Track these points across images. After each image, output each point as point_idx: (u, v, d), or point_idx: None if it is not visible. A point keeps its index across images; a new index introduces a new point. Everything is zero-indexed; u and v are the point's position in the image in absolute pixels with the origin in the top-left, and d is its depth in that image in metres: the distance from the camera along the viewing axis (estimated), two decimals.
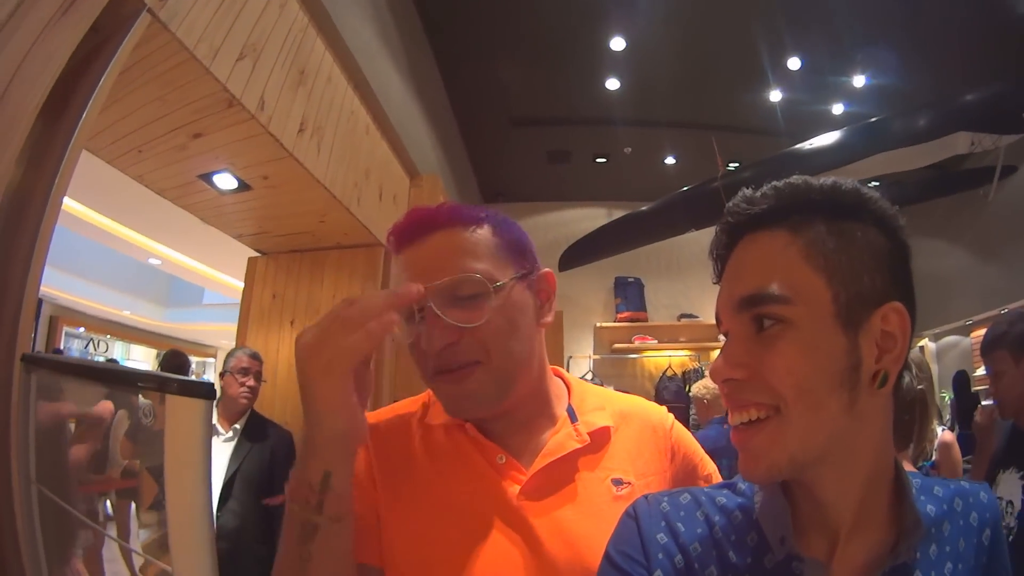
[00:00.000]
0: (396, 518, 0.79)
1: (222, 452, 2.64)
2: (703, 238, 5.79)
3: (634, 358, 6.29)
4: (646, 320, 6.27)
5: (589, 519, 0.78)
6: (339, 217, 3.16)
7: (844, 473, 0.60)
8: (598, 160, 5.99)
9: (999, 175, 4.26)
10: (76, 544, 1.05)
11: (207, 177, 2.58)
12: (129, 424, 1.08)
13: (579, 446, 0.83)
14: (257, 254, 3.65)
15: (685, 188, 4.93)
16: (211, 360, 9.67)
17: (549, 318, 0.87)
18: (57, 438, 1.12)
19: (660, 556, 0.63)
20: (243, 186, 2.69)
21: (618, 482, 0.82)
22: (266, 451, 2.72)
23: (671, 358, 6.05)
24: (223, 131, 2.26)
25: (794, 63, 4.04)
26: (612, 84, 4.65)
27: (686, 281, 6.42)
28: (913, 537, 0.59)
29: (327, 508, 0.66)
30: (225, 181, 2.63)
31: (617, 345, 6.15)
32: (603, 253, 5.84)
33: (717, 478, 0.92)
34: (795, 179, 0.62)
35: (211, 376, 9.35)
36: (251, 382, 2.78)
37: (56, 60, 1.33)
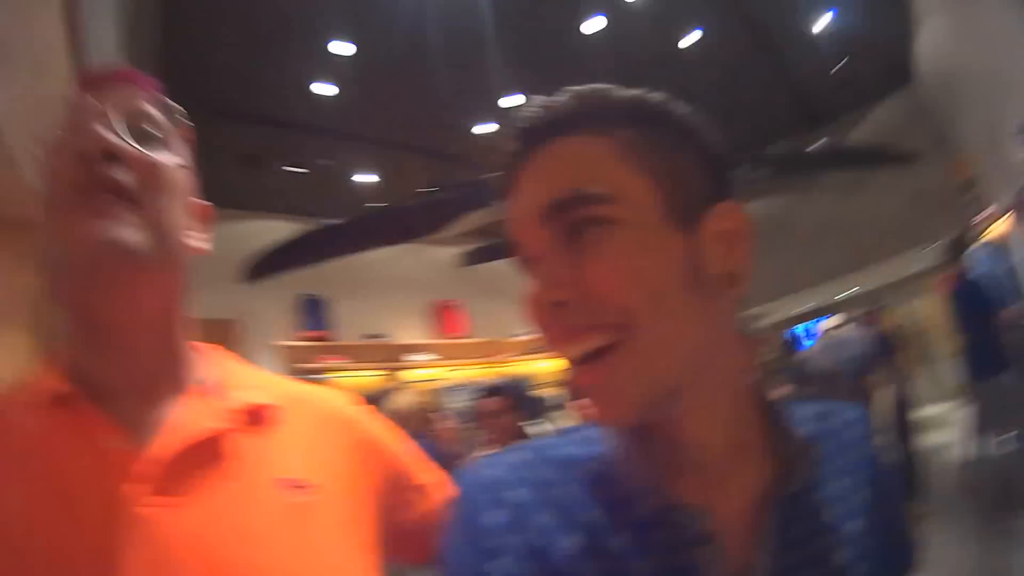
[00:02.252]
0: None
1: None
2: (392, 258, 6.02)
3: (320, 379, 6.01)
4: (331, 339, 6.07)
5: (250, 539, 0.55)
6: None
7: (707, 401, 0.52)
8: (293, 169, 5.68)
9: None
10: None
11: None
12: None
13: (226, 427, 0.58)
14: None
15: (382, 204, 4.98)
16: None
17: (204, 246, 0.66)
18: None
19: (498, 542, 0.52)
20: None
21: (292, 484, 0.59)
22: None
23: (358, 378, 5.93)
24: None
25: (517, 99, 4.44)
26: (328, 90, 4.49)
27: (374, 301, 6.41)
28: (803, 461, 0.53)
29: None
30: None
31: (300, 366, 5.79)
32: (291, 267, 5.51)
33: (441, 484, 0.72)
34: (596, 86, 0.55)
35: None
36: None
37: None
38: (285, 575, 0.55)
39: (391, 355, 6.12)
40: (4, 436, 0.55)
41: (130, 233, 0.55)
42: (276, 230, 5.73)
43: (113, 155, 0.57)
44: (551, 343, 0.50)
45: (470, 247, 5.07)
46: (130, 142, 0.58)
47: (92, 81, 0.63)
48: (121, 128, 0.59)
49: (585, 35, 4.29)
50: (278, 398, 0.64)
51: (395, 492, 0.66)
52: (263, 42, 4.08)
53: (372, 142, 5.17)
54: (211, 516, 0.54)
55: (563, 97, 0.54)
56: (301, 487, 0.59)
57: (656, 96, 0.55)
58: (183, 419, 0.57)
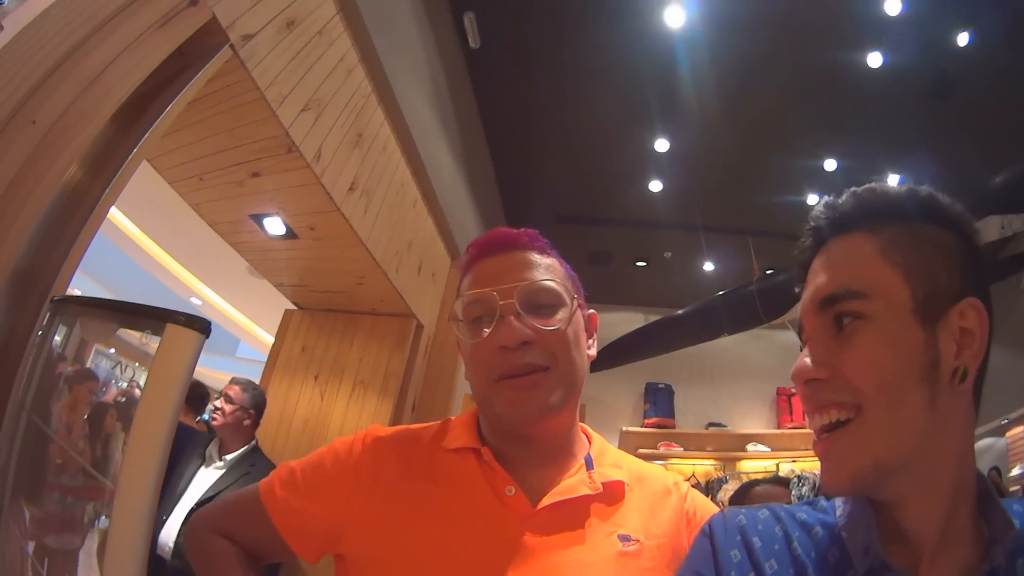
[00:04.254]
0: (384, 534, 0.78)
1: (208, 479, 2.57)
2: (735, 346, 5.83)
3: (659, 464, 6.05)
4: (673, 427, 6.10)
5: (590, 569, 0.75)
6: (377, 282, 3.26)
7: (928, 484, 0.57)
8: (638, 263, 6.08)
9: None
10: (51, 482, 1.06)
11: (258, 218, 2.74)
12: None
13: (591, 493, 0.80)
14: (294, 307, 3.76)
15: (721, 292, 4.95)
16: None
17: (593, 352, 0.90)
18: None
19: (732, 574, 0.63)
20: (290, 233, 2.84)
21: (625, 538, 0.78)
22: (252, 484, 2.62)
23: (695, 467, 5.82)
24: (279, 175, 2.42)
25: (830, 164, 4.14)
26: (655, 186, 4.82)
27: (717, 389, 6.29)
28: (1005, 540, 0.55)
29: None
30: (274, 225, 2.78)
31: (642, 450, 5.94)
32: (636, 356, 5.78)
33: None
34: (873, 185, 0.66)
35: None
36: (219, 402, 2.65)
37: (142, 69, 1.47)
38: None
39: (728, 444, 5.85)
40: (428, 458, 0.83)
41: (550, 396, 0.79)
42: (629, 321, 6.16)
43: (527, 342, 0.78)
44: (805, 413, 0.63)
45: None
46: (536, 325, 0.79)
47: (484, 250, 0.87)
48: (526, 307, 0.80)
49: None
50: (628, 476, 0.85)
51: None
52: (597, 152, 4.62)
53: (707, 230, 5.25)
54: (567, 549, 0.75)
55: (845, 197, 0.66)
56: (630, 540, 0.78)
57: (924, 189, 0.65)
58: (564, 484, 0.80)
